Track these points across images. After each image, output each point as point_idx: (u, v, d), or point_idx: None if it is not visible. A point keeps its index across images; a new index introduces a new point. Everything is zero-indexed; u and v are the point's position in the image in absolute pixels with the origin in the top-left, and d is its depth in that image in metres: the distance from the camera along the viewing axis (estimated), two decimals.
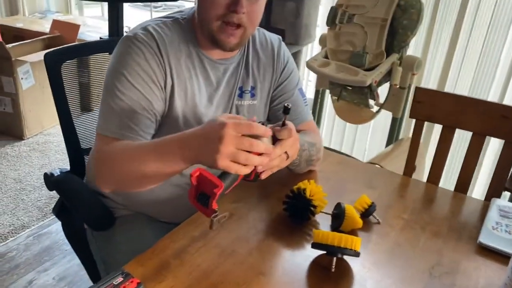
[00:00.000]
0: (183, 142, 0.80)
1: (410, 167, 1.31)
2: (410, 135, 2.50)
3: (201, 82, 1.03)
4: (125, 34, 1.01)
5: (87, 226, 1.13)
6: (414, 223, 1.04)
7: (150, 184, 0.90)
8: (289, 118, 1.15)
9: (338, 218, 0.97)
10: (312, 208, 0.98)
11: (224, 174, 0.78)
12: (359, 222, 0.97)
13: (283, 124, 0.87)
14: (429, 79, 2.43)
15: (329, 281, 0.84)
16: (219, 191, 0.75)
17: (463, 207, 1.16)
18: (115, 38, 1.41)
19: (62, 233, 1.24)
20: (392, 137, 2.35)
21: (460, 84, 2.36)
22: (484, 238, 0.98)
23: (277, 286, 0.83)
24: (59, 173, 1.19)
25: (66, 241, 1.26)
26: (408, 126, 2.50)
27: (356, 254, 0.85)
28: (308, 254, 0.90)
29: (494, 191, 1.21)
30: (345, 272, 0.87)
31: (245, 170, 0.77)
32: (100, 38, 2.49)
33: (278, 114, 1.15)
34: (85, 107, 1.26)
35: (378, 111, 2.35)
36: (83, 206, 1.07)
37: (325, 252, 0.87)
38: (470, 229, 1.03)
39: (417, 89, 1.25)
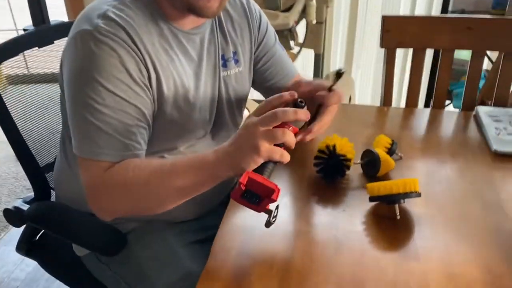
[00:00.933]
0: (219, 163, 0.74)
1: (387, 98, 1.31)
2: (335, 69, 2.56)
3: (183, 61, 0.89)
4: (78, 27, 0.80)
5: (95, 253, 0.94)
6: (430, 150, 1.05)
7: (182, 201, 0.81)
8: (280, 77, 1.07)
9: (373, 165, 0.93)
10: (347, 163, 0.92)
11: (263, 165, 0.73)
12: (392, 163, 0.95)
13: (330, 90, 0.80)
14: (339, 11, 2.46)
15: (397, 229, 0.82)
16: (277, 196, 0.69)
17: (454, 122, 1.21)
18: (47, 26, 1.15)
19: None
20: (318, 74, 2.37)
21: (371, 5, 2.43)
22: (497, 145, 1.03)
23: (349, 246, 0.78)
24: (26, 204, 0.97)
25: None
26: (329, 61, 2.53)
27: (418, 195, 0.83)
28: (364, 208, 0.87)
29: (468, 101, 1.28)
30: (407, 215, 0.85)
31: (285, 158, 0.73)
32: (25, 30, 1.99)
33: (267, 76, 1.05)
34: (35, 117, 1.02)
35: (299, 51, 2.34)
36: (86, 234, 0.89)
37: (384, 202, 0.84)
38: (477, 141, 1.09)
39: (385, 18, 1.23)
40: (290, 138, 0.71)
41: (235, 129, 1.05)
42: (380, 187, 0.83)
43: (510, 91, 1.25)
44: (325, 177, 0.94)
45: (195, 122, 0.93)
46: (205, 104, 0.94)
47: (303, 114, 0.73)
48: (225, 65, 0.97)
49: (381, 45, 1.27)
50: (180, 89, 0.88)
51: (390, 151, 1.00)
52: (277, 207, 0.71)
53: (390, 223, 0.83)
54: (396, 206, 0.83)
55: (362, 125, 1.17)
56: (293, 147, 0.73)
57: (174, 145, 0.92)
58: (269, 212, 0.71)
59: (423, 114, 1.30)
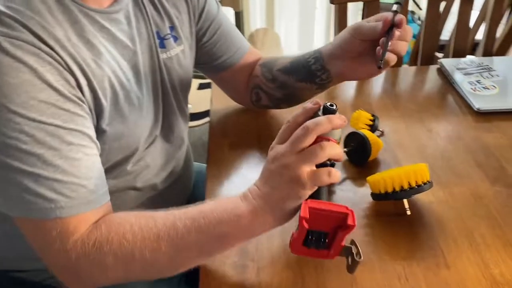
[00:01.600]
0: (255, 212, 0.55)
1: None
2: (256, 28, 2.36)
3: (113, 52, 0.64)
4: None
5: None
6: (409, 117, 0.93)
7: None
8: (232, 51, 0.86)
9: (362, 150, 0.78)
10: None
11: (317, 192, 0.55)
12: (381, 143, 0.81)
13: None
14: None
15: (411, 228, 0.68)
16: (354, 219, 0.51)
17: (419, 79, 1.09)
18: None
19: None
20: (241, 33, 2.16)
21: None
22: (479, 103, 0.93)
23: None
24: None
25: None
26: (249, 18, 2.32)
27: (431, 185, 0.69)
28: (364, 206, 0.72)
29: (428, 54, 1.18)
30: (416, 207, 0.72)
31: (336, 177, 0.54)
32: None
33: (215, 52, 0.83)
34: None
35: None
36: None
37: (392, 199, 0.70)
38: (454, 99, 0.98)
39: None
40: (333, 150, 0.54)
41: (185, 123, 0.84)
42: (387, 181, 0.68)
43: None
44: None
45: (142, 128, 0.71)
46: (149, 101, 0.72)
47: (339, 120, 0.54)
48: (162, 45, 0.73)
49: (330, 1, 1.10)
50: (119, 91, 0.64)
51: (373, 128, 0.86)
52: (352, 242, 0.54)
53: (400, 221, 0.69)
54: (405, 200, 0.70)
55: (328, 100, 1.01)
56: (341, 159, 0.56)
57: (119, 164, 0.70)
58: (348, 251, 0.54)
59: (380, 75, 1.16)
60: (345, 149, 0.80)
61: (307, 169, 0.53)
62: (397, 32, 0.66)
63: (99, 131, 0.62)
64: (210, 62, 0.85)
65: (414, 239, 0.66)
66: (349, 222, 0.51)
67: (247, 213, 0.54)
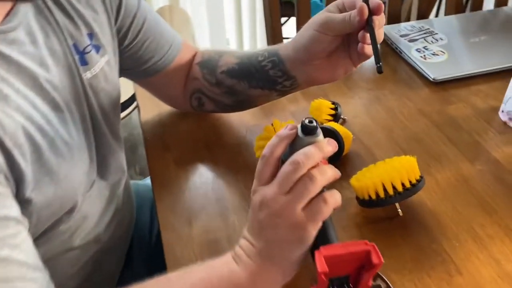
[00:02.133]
0: (256, 273, 0.44)
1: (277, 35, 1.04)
2: (158, 6, 2.12)
3: (21, 87, 0.46)
4: None
5: None
6: (364, 97, 0.84)
7: None
8: (164, 50, 0.69)
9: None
10: None
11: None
12: (350, 134, 0.71)
13: None
14: None
15: (406, 232, 0.60)
16: (379, 256, 0.42)
17: None
18: None
19: None
20: None
21: None
22: (433, 73, 0.87)
23: None
24: None
25: None
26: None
27: (424, 182, 0.61)
28: (347, 212, 0.62)
29: None
30: (406, 206, 0.63)
31: (335, 202, 0.45)
32: None
33: (143, 54, 0.66)
34: None
35: None
36: None
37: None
38: (404, 70, 0.91)
39: None
40: (326, 175, 0.45)
41: (121, 148, 0.67)
42: (377, 185, 0.58)
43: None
44: None
45: (77, 180, 0.54)
46: (80, 141, 0.55)
47: (331, 146, 0.45)
48: (84, 61, 0.55)
49: None
50: (40, 142, 0.47)
51: (336, 118, 0.76)
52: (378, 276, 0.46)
53: (394, 225, 0.61)
54: (396, 203, 0.61)
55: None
56: (338, 177, 0.46)
57: (50, 228, 0.53)
58: None
59: None
60: None
61: (313, 226, 0.43)
62: (376, 21, 0.54)
63: (23, 202, 0.45)
64: (137, 67, 0.68)
65: (416, 245, 0.58)
66: (374, 260, 0.41)
67: (246, 277, 0.42)
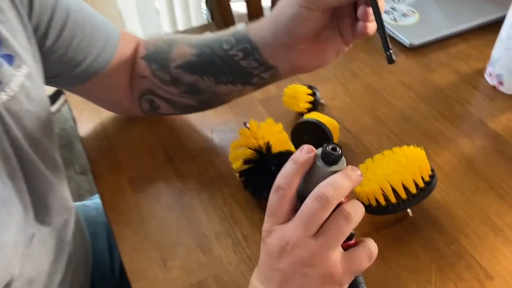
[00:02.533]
0: None
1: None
2: None
3: None
4: None
5: None
6: (342, 72, 0.74)
7: None
8: (98, 47, 0.53)
9: (321, 141, 0.58)
10: None
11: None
12: (337, 124, 0.61)
13: None
14: None
15: (416, 233, 0.52)
16: None
17: None
18: None
19: None
20: None
21: None
22: (409, 37, 0.78)
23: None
24: None
25: None
26: None
27: (436, 180, 0.51)
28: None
29: None
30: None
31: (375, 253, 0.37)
32: None
33: (71, 57, 0.51)
34: None
35: None
36: None
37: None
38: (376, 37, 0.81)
39: None
40: (359, 212, 0.36)
41: (61, 178, 0.53)
42: (384, 186, 0.48)
43: None
44: (260, 194, 0.55)
45: (10, 240, 0.41)
46: (5, 189, 0.41)
47: (357, 175, 0.36)
48: None
49: None
50: None
51: (315, 105, 0.65)
52: None
53: (405, 228, 0.53)
54: None
55: None
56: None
57: None
58: None
59: None
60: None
61: (337, 256, 0.34)
62: None
63: None
64: (67, 73, 0.53)
65: (434, 250, 0.50)
66: None
67: None
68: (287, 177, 0.35)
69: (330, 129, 0.58)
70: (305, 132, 0.58)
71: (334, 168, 0.35)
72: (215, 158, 0.61)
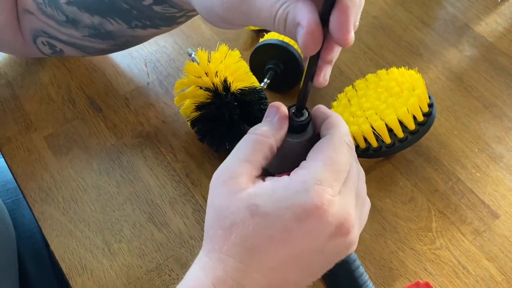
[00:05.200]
0: None
1: None
2: None
3: None
4: None
5: None
6: None
7: None
8: None
9: (293, 67, 0.46)
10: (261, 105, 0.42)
11: None
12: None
13: None
14: None
15: (403, 168, 0.44)
16: None
17: None
18: None
19: None
20: None
21: None
22: None
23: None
24: None
25: None
26: None
27: (435, 110, 0.42)
28: None
29: None
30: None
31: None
32: None
33: None
34: None
35: None
36: None
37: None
38: None
39: None
40: None
41: None
42: (377, 125, 0.39)
43: None
44: (221, 145, 0.43)
45: None
46: None
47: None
48: None
49: None
50: None
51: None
52: None
53: (395, 167, 0.44)
54: None
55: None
56: None
57: None
58: None
59: None
60: (266, 80, 0.46)
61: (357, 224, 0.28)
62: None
63: None
64: None
65: (431, 191, 0.42)
66: None
67: None
68: (273, 135, 0.27)
69: (298, 51, 0.46)
70: (267, 57, 0.46)
71: (299, 138, 0.28)
72: (154, 100, 0.48)
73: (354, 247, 0.28)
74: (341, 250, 0.27)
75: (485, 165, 0.45)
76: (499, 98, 0.49)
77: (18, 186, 0.43)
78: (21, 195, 0.56)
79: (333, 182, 0.25)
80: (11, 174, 0.48)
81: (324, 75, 0.27)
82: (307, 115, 0.28)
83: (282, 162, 0.28)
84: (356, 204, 0.27)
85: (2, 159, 0.64)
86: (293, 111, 0.28)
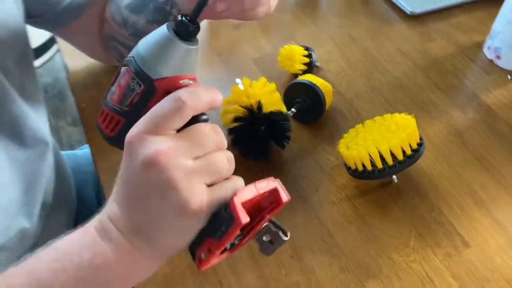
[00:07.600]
0: (125, 253, 0.31)
1: None
2: None
3: None
4: None
5: None
6: (339, 35, 0.72)
7: None
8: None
9: (314, 105, 0.57)
10: (284, 123, 0.54)
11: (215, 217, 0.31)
12: (330, 87, 0.61)
13: None
14: None
15: (399, 199, 0.53)
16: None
17: None
18: None
19: None
20: None
21: None
22: (410, 5, 0.76)
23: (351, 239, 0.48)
24: None
25: None
26: None
27: (424, 147, 0.51)
28: (340, 184, 0.54)
29: None
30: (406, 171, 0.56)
31: (239, 183, 0.33)
32: None
33: None
34: None
35: None
36: None
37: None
38: (375, 2, 0.80)
39: None
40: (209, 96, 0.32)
41: (36, 110, 0.52)
42: (372, 151, 0.49)
43: None
44: (247, 153, 0.55)
45: None
46: None
47: (219, 95, 0.33)
48: None
49: None
50: None
51: (311, 66, 0.65)
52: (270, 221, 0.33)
53: (388, 194, 0.53)
54: None
55: (232, 40, 0.75)
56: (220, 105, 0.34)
57: None
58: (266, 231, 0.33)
59: None
60: (293, 109, 0.58)
61: (203, 186, 0.31)
62: None
63: None
64: (47, 12, 0.52)
65: (416, 217, 0.51)
66: (284, 199, 0.32)
67: (117, 260, 0.31)
68: (198, 99, 0.31)
69: (324, 92, 0.57)
70: (298, 93, 0.58)
71: (189, 44, 0.32)
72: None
73: (181, 186, 0.29)
74: (161, 185, 0.29)
75: (468, 206, 0.53)
76: (492, 154, 0.57)
77: (93, 161, 0.56)
78: (86, 178, 0.69)
79: (145, 123, 0.30)
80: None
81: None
82: (196, 26, 0.32)
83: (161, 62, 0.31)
84: (190, 153, 0.30)
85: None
86: (188, 17, 0.32)
